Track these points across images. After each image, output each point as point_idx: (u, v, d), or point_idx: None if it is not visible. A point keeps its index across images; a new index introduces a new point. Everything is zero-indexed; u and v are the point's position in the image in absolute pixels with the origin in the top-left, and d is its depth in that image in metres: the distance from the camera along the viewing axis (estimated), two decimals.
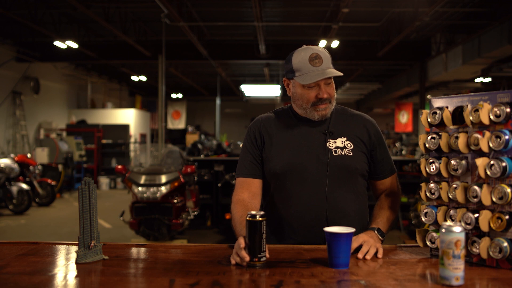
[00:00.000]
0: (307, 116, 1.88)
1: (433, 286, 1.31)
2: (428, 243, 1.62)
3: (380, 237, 1.74)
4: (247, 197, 1.86)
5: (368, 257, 1.58)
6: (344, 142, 1.87)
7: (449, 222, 1.35)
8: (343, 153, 1.85)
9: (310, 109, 1.85)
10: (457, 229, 1.30)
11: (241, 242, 1.50)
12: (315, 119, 1.87)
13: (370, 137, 1.91)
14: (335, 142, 1.87)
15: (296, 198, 1.84)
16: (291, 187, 1.85)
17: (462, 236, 1.30)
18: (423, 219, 1.65)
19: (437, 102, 1.66)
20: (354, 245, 1.59)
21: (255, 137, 1.94)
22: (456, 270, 1.29)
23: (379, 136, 1.94)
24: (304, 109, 1.87)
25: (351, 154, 1.85)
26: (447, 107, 1.62)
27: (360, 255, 1.59)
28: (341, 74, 1.81)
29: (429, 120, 1.66)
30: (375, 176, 1.94)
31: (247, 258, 1.47)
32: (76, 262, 1.52)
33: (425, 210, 1.65)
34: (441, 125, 1.63)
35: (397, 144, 14.86)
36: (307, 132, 1.89)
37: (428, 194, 1.65)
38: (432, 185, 1.64)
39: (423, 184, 1.68)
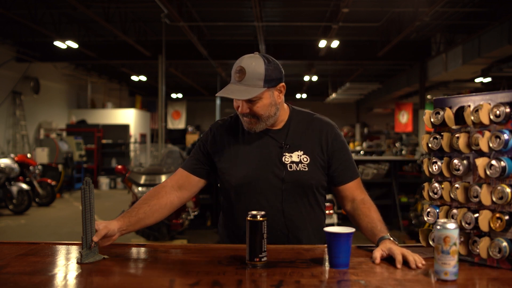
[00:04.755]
0: None
1: (433, 286, 1.31)
2: (431, 242, 1.63)
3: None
4: (169, 187, 1.84)
5: (420, 265, 1.46)
6: (301, 156, 1.79)
7: (444, 220, 1.36)
8: (298, 168, 1.77)
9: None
10: (450, 226, 1.32)
11: (101, 227, 1.60)
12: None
13: (328, 144, 1.82)
14: (291, 156, 1.79)
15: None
16: (248, 201, 1.80)
17: (452, 233, 1.32)
18: (425, 219, 1.65)
19: (442, 103, 1.66)
20: (399, 258, 1.46)
21: (207, 143, 1.89)
22: (445, 265, 1.32)
23: (339, 141, 1.85)
24: None
25: (307, 169, 1.78)
26: (449, 107, 1.62)
27: (413, 265, 1.45)
28: (241, 98, 1.69)
29: (432, 120, 1.66)
30: (336, 182, 1.85)
31: (95, 239, 1.55)
32: (79, 262, 1.52)
33: (428, 210, 1.66)
34: (444, 125, 1.64)
35: (397, 144, 14.89)
36: (264, 143, 1.82)
37: (431, 194, 1.66)
38: (435, 184, 1.64)
39: (426, 184, 1.68)
